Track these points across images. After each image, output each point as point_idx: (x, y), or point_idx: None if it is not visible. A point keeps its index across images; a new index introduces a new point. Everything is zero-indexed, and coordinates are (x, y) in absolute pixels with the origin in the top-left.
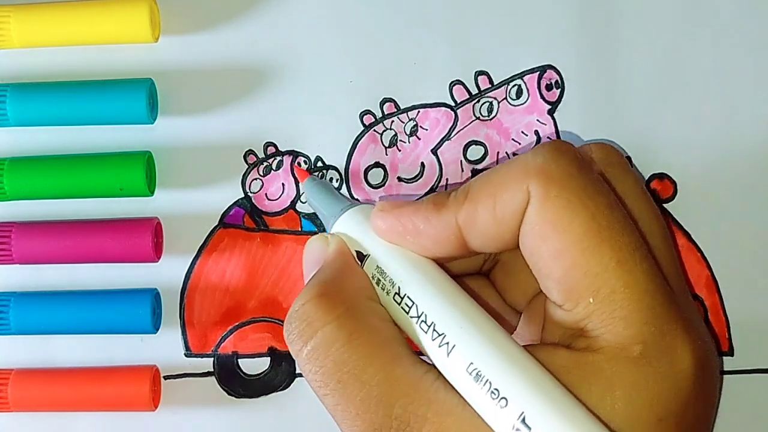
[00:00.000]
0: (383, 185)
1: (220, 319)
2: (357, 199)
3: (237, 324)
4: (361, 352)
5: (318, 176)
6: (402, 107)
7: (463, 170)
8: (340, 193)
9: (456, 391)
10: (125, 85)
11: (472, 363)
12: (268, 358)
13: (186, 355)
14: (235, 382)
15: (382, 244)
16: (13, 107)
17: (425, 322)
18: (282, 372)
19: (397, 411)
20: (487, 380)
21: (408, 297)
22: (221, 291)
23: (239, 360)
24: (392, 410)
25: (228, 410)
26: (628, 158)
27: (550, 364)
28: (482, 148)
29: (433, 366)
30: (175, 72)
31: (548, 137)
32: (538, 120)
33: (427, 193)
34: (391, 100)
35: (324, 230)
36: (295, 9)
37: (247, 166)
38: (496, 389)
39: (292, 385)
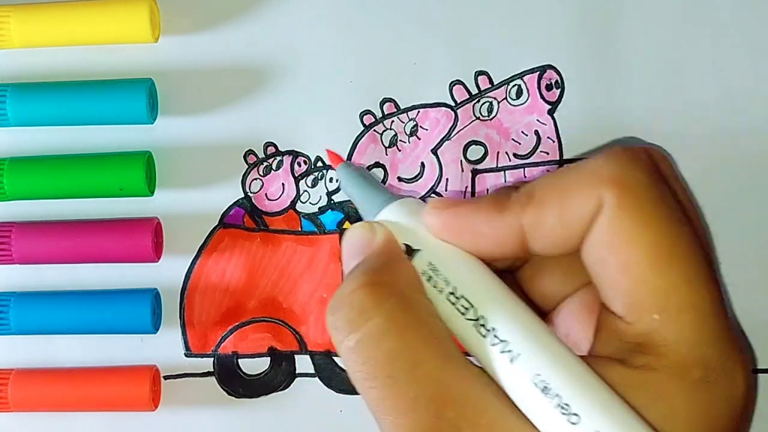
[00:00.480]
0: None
1: (220, 319)
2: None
3: (237, 324)
4: (416, 347)
5: (353, 163)
6: (402, 107)
7: (463, 170)
8: (380, 182)
9: (509, 399)
10: (125, 85)
11: (539, 374)
12: (268, 358)
13: (186, 355)
14: (235, 382)
15: (433, 240)
16: (13, 107)
17: (484, 326)
18: (282, 372)
19: (449, 414)
20: (556, 394)
21: (465, 298)
22: (221, 291)
23: (239, 360)
24: (444, 412)
25: (228, 410)
26: None
27: (609, 379)
28: (482, 148)
29: (483, 371)
30: (175, 72)
31: (548, 137)
32: (538, 120)
33: (427, 193)
34: (391, 100)
35: (356, 220)
36: (295, 9)
37: (247, 166)
38: (566, 404)
39: (292, 385)
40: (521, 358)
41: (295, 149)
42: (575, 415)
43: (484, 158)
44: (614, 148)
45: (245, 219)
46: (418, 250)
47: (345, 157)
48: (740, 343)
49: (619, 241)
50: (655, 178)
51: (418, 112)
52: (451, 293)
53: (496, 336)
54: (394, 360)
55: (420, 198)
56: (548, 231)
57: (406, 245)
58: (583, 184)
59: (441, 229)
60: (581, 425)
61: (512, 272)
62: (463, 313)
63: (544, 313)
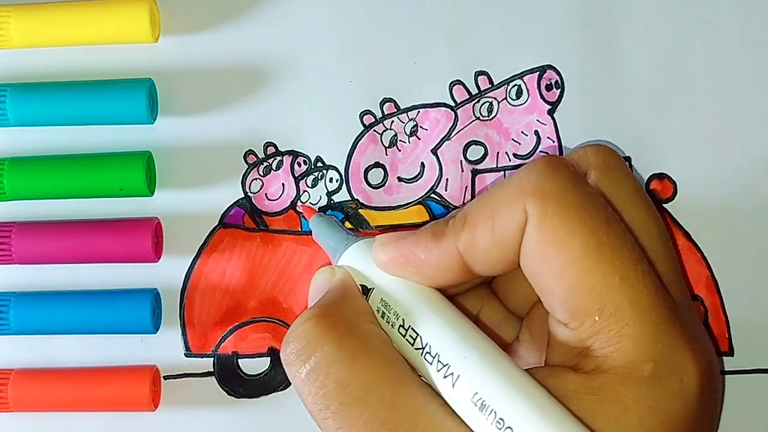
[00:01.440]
0: (383, 185)
1: (220, 319)
2: (362, 230)
3: (237, 324)
4: (365, 372)
5: (324, 212)
6: (402, 107)
7: (463, 170)
8: (346, 228)
9: (462, 420)
10: (125, 85)
11: (476, 393)
12: (268, 358)
13: (186, 355)
14: (235, 382)
15: (386, 276)
16: (13, 107)
17: (429, 353)
18: (282, 372)
19: None
20: (492, 410)
21: (412, 329)
22: (221, 291)
23: (239, 360)
24: None
25: (228, 410)
26: (627, 158)
27: (560, 389)
28: (482, 148)
29: (436, 393)
30: (175, 72)
31: (548, 137)
32: (538, 120)
33: (427, 193)
34: (391, 100)
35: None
36: (295, 9)
37: (247, 166)
38: (501, 419)
39: (292, 385)
40: (460, 379)
41: (295, 149)
42: (509, 428)
43: (484, 158)
44: (535, 160)
45: (245, 219)
46: (371, 289)
47: (345, 157)
48: (692, 335)
49: (549, 250)
50: (576, 183)
51: (418, 112)
52: (401, 326)
53: (439, 361)
54: (344, 387)
55: (421, 198)
56: (483, 251)
57: (362, 286)
58: (508, 198)
59: (387, 263)
60: None
61: (488, 283)
62: (411, 343)
63: (521, 319)
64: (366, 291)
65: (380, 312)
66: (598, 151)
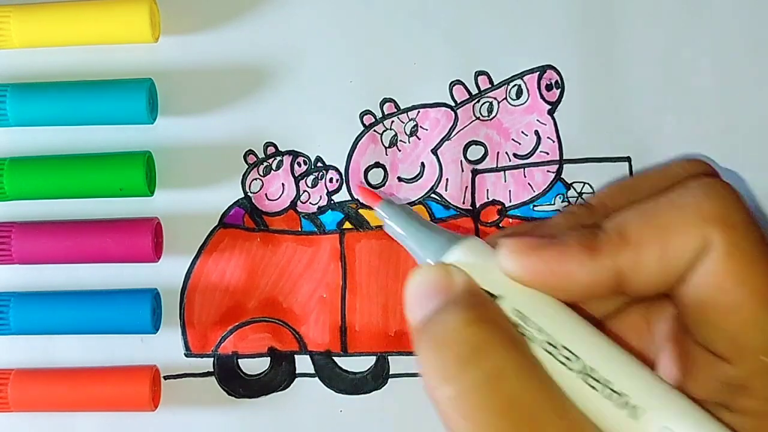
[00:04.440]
0: (383, 185)
1: (220, 319)
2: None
3: (237, 324)
4: (535, 391)
5: (392, 198)
6: (402, 107)
7: (463, 170)
8: (428, 220)
9: None
10: (125, 85)
11: (667, 427)
12: (268, 358)
13: (186, 355)
14: (235, 382)
15: (511, 284)
16: (13, 107)
17: (595, 378)
18: (282, 372)
19: None
20: None
21: (566, 348)
22: (221, 291)
23: (239, 360)
24: None
25: (228, 410)
26: (627, 158)
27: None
28: (482, 148)
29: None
30: (175, 72)
31: (548, 137)
32: (538, 120)
33: (427, 193)
34: (391, 100)
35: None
36: (295, 9)
37: (247, 166)
38: None
39: (292, 385)
40: (648, 414)
41: (295, 149)
42: None
43: (484, 158)
44: (706, 183)
45: (245, 219)
46: (499, 296)
47: (345, 157)
48: None
49: (729, 283)
50: (751, 216)
51: (418, 112)
52: (548, 342)
53: (612, 389)
54: (515, 404)
55: (421, 198)
56: (647, 273)
57: (486, 291)
58: (685, 223)
59: (525, 274)
60: None
61: None
62: (564, 364)
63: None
64: (492, 297)
65: (512, 323)
66: (698, 165)
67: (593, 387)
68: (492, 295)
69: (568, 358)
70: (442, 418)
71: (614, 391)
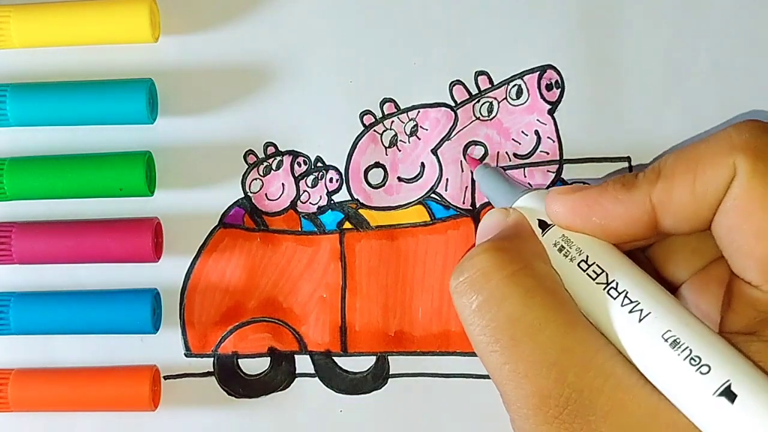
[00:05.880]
0: (383, 185)
1: (220, 319)
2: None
3: (237, 324)
4: (538, 310)
5: (488, 164)
6: (402, 107)
7: (463, 170)
8: (515, 180)
9: (635, 368)
10: (125, 85)
11: (669, 330)
12: (268, 358)
13: (186, 355)
14: (235, 382)
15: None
16: (13, 107)
17: (615, 289)
18: (282, 372)
19: (570, 378)
20: (686, 347)
21: (597, 265)
22: (221, 291)
23: (239, 360)
24: (566, 377)
25: (228, 410)
26: (627, 158)
27: (743, 353)
28: (482, 148)
29: (609, 341)
30: (175, 72)
31: (548, 137)
32: (538, 120)
33: (426, 193)
34: (391, 100)
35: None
36: (295, 9)
37: (247, 166)
38: (697, 356)
39: (292, 385)
40: (651, 317)
41: (295, 149)
42: (706, 366)
43: (484, 158)
44: (740, 122)
45: (245, 219)
46: (551, 225)
47: (345, 157)
48: None
49: (754, 207)
50: None
51: (418, 112)
52: (583, 261)
53: (627, 297)
54: (516, 322)
55: (421, 198)
56: (679, 204)
57: (540, 220)
58: (715, 153)
59: (566, 214)
60: (712, 374)
61: (643, 251)
62: (594, 278)
63: (672, 290)
64: (545, 226)
65: (558, 246)
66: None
67: (613, 297)
68: (546, 224)
69: (596, 273)
70: (468, 335)
71: (628, 299)
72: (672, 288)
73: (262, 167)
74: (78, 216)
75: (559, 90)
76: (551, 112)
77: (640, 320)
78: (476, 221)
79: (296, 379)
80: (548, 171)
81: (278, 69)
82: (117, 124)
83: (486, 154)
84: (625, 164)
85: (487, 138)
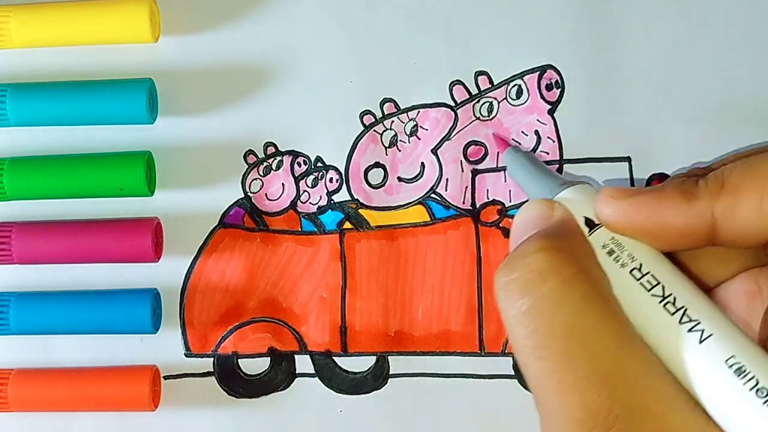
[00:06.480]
0: (383, 185)
1: (220, 319)
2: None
3: (237, 324)
4: (594, 319)
5: (519, 145)
6: (402, 107)
7: (463, 170)
8: (548, 168)
9: (685, 391)
10: (125, 85)
11: (734, 356)
12: (268, 358)
13: (186, 355)
14: (235, 382)
15: None
16: (13, 107)
17: (673, 304)
18: (282, 372)
19: (622, 395)
20: (753, 376)
21: (652, 275)
22: (221, 291)
23: (239, 360)
24: (617, 393)
25: (228, 410)
26: (627, 158)
27: None
28: (482, 148)
29: (659, 359)
30: (175, 72)
31: (548, 137)
32: (538, 120)
33: (426, 193)
34: (391, 100)
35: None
36: (295, 9)
37: (247, 166)
38: (764, 388)
39: (292, 385)
40: (713, 339)
41: (295, 149)
42: None
43: (484, 158)
44: None
45: (245, 219)
46: (599, 224)
47: (345, 157)
48: None
49: None
50: None
51: (418, 112)
52: (636, 269)
53: (686, 314)
54: (571, 330)
55: (421, 198)
56: (743, 221)
57: (587, 219)
58: None
59: (620, 218)
60: None
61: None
62: (648, 289)
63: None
64: (591, 225)
65: (608, 249)
66: None
67: (671, 313)
68: (594, 224)
69: (652, 284)
70: (509, 336)
71: (688, 317)
72: None
73: (262, 167)
74: (78, 216)
75: (559, 90)
76: (551, 112)
77: (701, 341)
78: (476, 221)
79: (296, 379)
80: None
81: (278, 69)
82: (117, 124)
83: (486, 154)
84: (625, 164)
85: (487, 138)
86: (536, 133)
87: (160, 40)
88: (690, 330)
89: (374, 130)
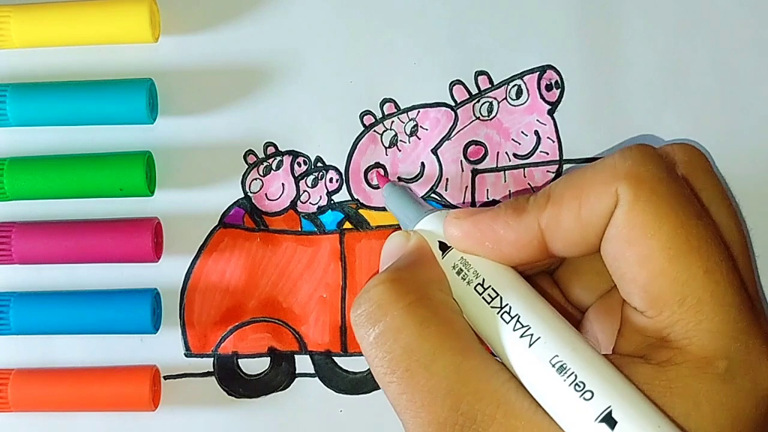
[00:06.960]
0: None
1: (220, 319)
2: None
3: (237, 324)
4: (432, 341)
5: (398, 181)
6: (402, 107)
7: (463, 170)
8: (421, 199)
9: (528, 394)
10: (125, 85)
11: (557, 355)
12: (268, 358)
13: (186, 355)
14: (235, 382)
15: None
16: (13, 107)
17: (508, 313)
18: (282, 372)
19: (464, 407)
20: (572, 372)
21: (492, 288)
22: (221, 291)
23: (239, 360)
24: (459, 405)
25: (228, 410)
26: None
27: (632, 377)
28: (482, 148)
29: (504, 367)
30: (175, 72)
31: (548, 137)
32: (538, 120)
33: (427, 193)
34: (391, 100)
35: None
36: (295, 9)
37: (247, 166)
38: (581, 382)
39: (292, 385)
40: (540, 341)
41: (295, 149)
42: (589, 392)
43: (484, 158)
44: (628, 147)
45: (245, 219)
46: (451, 247)
47: (345, 157)
48: (767, 335)
49: (636, 235)
50: (669, 173)
51: (418, 112)
52: (479, 284)
53: (519, 321)
54: (411, 353)
55: (422, 197)
56: (566, 230)
57: (441, 242)
58: (599, 180)
59: (461, 239)
60: (594, 400)
61: (550, 274)
62: (488, 302)
63: (580, 314)
64: (444, 248)
65: (457, 269)
66: (685, 149)
67: (506, 321)
68: (446, 246)
69: (491, 297)
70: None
71: (520, 323)
72: (579, 312)
73: (262, 167)
74: (78, 216)
75: (559, 90)
76: (551, 113)
77: (530, 345)
78: None
79: (296, 379)
80: (548, 171)
81: (278, 69)
82: (117, 124)
83: (486, 154)
84: None
85: (487, 138)
86: (536, 133)
87: (160, 40)
88: (522, 335)
89: (374, 131)
